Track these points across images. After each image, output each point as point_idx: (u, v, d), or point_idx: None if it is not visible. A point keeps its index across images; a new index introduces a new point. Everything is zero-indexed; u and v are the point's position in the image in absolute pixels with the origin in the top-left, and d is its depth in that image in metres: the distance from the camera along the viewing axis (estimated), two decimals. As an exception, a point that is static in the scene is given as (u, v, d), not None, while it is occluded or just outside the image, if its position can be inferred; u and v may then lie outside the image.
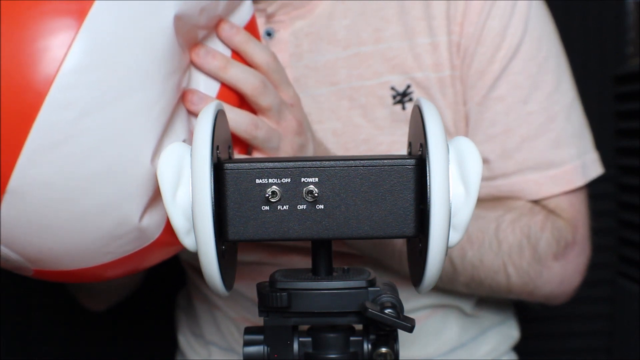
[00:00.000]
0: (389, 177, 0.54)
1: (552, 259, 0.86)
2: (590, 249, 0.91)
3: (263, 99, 0.69)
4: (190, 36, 0.65)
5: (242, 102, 0.70)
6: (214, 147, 0.53)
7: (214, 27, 0.69)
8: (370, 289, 0.56)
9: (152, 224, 0.63)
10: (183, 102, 0.66)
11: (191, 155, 0.53)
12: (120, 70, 0.59)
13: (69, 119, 0.57)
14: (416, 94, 0.86)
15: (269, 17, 0.88)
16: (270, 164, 0.53)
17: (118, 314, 1.32)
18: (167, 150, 0.54)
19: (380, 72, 0.86)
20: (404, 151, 0.66)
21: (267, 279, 0.59)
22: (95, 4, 0.58)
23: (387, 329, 0.56)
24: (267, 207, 0.54)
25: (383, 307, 0.54)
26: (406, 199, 0.54)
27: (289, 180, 0.53)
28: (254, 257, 0.90)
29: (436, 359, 0.94)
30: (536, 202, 0.88)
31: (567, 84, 0.89)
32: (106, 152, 0.59)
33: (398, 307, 0.55)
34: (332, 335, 0.58)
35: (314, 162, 0.54)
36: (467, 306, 0.94)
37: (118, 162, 0.59)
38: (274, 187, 0.53)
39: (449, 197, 0.52)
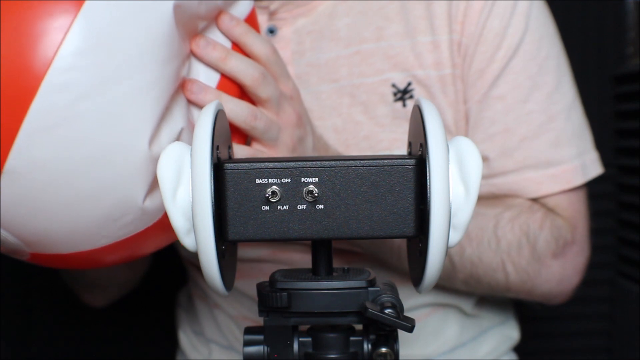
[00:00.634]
0: (389, 177, 0.54)
1: (551, 257, 0.86)
2: (589, 248, 0.91)
3: (262, 90, 0.69)
4: (190, 26, 0.66)
5: (242, 93, 0.71)
6: (214, 147, 0.53)
7: (214, 18, 0.69)
8: (370, 289, 0.56)
9: (154, 205, 0.64)
10: (183, 91, 0.67)
11: (191, 155, 0.53)
12: (117, 54, 0.59)
13: (66, 101, 0.58)
14: (417, 91, 0.86)
15: (272, 15, 0.89)
16: (270, 164, 0.53)
17: (119, 314, 1.32)
18: (167, 150, 0.54)
19: (381, 69, 0.87)
20: (404, 148, 0.66)
21: (265, 277, 0.59)
22: None
23: (387, 329, 0.56)
24: (267, 207, 0.54)
25: (383, 307, 0.54)
26: (406, 199, 0.54)
27: (289, 180, 0.53)
28: (253, 254, 0.91)
29: (436, 359, 0.94)
30: (535, 200, 0.89)
31: (567, 84, 0.89)
32: (103, 135, 0.59)
33: (398, 307, 0.55)
34: (332, 335, 0.58)
35: (314, 162, 0.54)
36: (466, 306, 0.94)
37: (115, 146, 0.60)
38: (274, 187, 0.53)
39: (449, 197, 0.52)
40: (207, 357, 1.01)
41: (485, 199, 0.88)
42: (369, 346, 0.58)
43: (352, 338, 0.58)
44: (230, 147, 0.62)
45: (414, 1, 0.87)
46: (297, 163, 0.53)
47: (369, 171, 0.54)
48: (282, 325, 0.57)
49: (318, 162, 0.54)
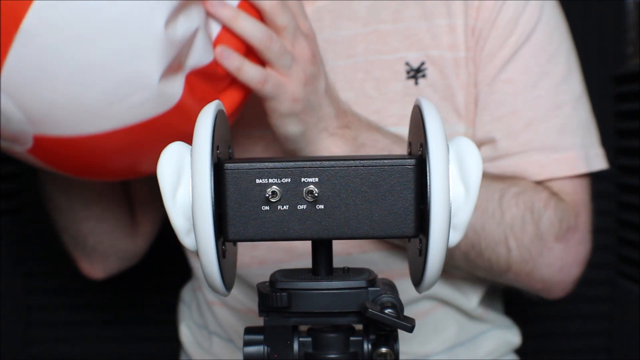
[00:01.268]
0: (389, 177, 0.54)
1: (554, 239, 0.86)
2: (591, 241, 0.91)
3: (280, 18, 0.73)
4: None
5: (261, 20, 0.73)
6: (214, 147, 0.53)
7: None
8: (370, 289, 0.56)
9: (171, 89, 0.65)
10: (203, 3, 0.69)
11: (191, 155, 0.53)
12: None
13: None
14: (430, 70, 0.88)
15: None
16: (271, 164, 0.54)
17: (119, 314, 1.32)
18: (167, 150, 0.54)
19: (397, 48, 0.89)
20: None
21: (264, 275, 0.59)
22: None
23: (387, 329, 0.56)
24: (267, 207, 0.54)
25: (383, 307, 0.55)
26: (406, 198, 0.54)
27: (289, 180, 0.53)
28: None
29: (435, 358, 0.94)
30: (540, 183, 0.89)
31: (576, 79, 0.91)
32: (120, 5, 0.61)
33: (398, 307, 0.55)
34: (332, 335, 0.58)
35: (314, 162, 0.54)
36: (466, 304, 0.94)
37: (131, 16, 0.62)
38: (274, 187, 0.53)
39: (449, 197, 0.52)
40: (209, 349, 1.02)
41: (490, 175, 0.88)
42: (369, 346, 0.58)
43: (352, 338, 0.58)
44: (230, 147, 0.62)
45: None
46: (297, 163, 0.54)
47: (369, 171, 0.54)
48: (282, 325, 0.57)
49: (318, 162, 0.54)
